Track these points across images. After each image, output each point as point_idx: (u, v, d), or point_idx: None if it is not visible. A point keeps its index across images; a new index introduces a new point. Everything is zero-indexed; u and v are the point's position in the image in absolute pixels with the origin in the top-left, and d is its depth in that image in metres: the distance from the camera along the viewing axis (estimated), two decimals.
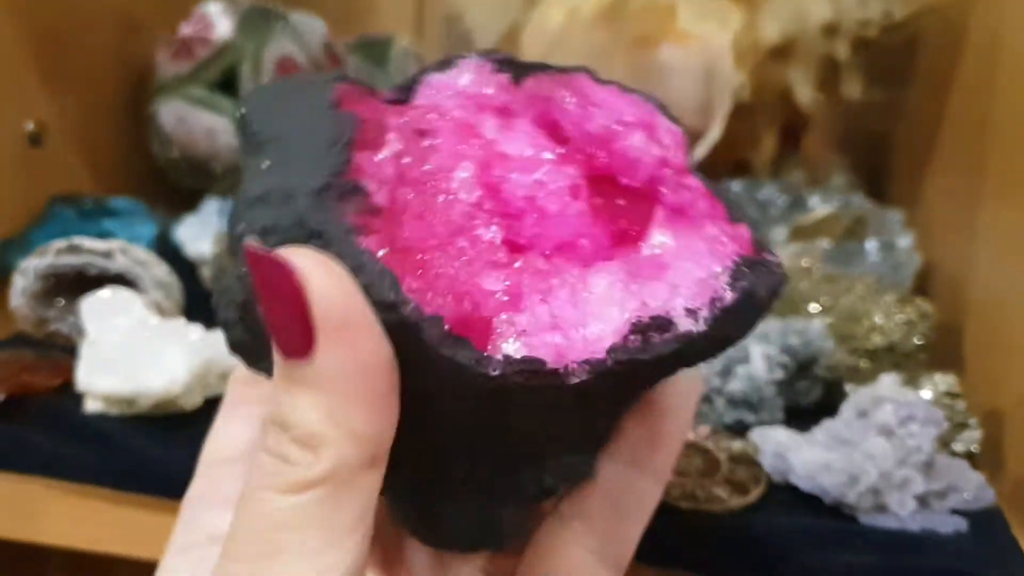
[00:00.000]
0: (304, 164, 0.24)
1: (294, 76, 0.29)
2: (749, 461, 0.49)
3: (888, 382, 0.49)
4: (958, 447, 0.52)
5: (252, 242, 0.23)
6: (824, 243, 0.68)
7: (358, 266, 0.22)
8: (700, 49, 0.77)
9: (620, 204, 0.27)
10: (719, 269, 0.25)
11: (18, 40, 0.70)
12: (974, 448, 0.52)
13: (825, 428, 0.50)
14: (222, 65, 0.76)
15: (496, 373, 0.23)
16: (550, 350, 0.23)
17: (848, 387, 0.56)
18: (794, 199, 0.74)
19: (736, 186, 0.74)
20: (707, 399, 0.54)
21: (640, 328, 0.24)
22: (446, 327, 0.22)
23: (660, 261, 0.26)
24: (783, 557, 0.45)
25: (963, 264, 0.64)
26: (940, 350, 0.59)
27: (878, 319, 0.59)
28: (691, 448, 0.50)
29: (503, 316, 0.24)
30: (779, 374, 0.54)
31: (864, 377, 0.57)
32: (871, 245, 0.69)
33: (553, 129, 0.28)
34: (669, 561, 0.45)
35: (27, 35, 0.70)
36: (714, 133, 0.75)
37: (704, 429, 0.52)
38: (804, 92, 0.81)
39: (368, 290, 0.22)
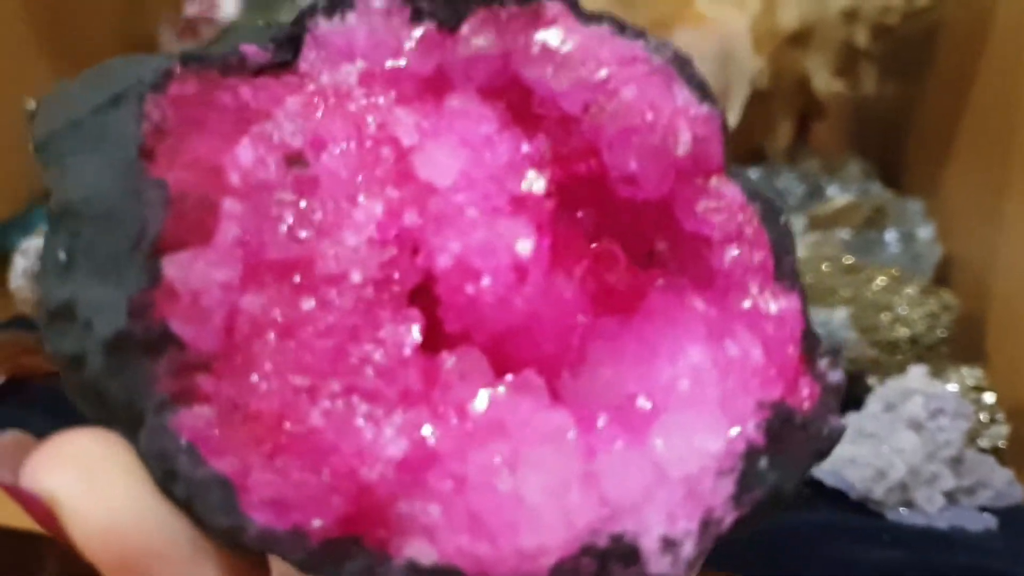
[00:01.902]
0: (105, 270, 0.17)
1: (95, 73, 0.19)
2: None
3: (917, 374, 0.48)
4: (984, 442, 0.50)
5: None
6: (843, 233, 0.67)
7: (170, 472, 0.16)
8: (717, 33, 0.75)
9: (611, 253, 0.20)
10: (730, 451, 0.17)
11: (20, 17, 0.68)
12: (1001, 443, 0.50)
13: (850, 421, 0.48)
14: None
15: None
16: (469, 559, 0.17)
17: (871, 380, 0.55)
18: (812, 188, 0.72)
19: (753, 174, 0.73)
20: None
21: (596, 553, 0.17)
22: (313, 542, 0.16)
23: (643, 412, 0.18)
24: (807, 554, 0.44)
25: (986, 255, 0.63)
26: (963, 343, 0.58)
27: (901, 310, 0.57)
28: None
29: (404, 504, 0.17)
30: None
31: (887, 370, 0.55)
32: (891, 235, 0.67)
33: (515, 98, 0.19)
34: None
35: (29, 12, 0.69)
36: (731, 120, 0.74)
37: None
38: (822, 79, 0.79)
39: (189, 504, 0.16)
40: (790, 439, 0.18)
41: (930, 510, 0.45)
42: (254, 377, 0.16)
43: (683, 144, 0.19)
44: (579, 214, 0.20)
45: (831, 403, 0.18)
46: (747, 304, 0.19)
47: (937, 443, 0.45)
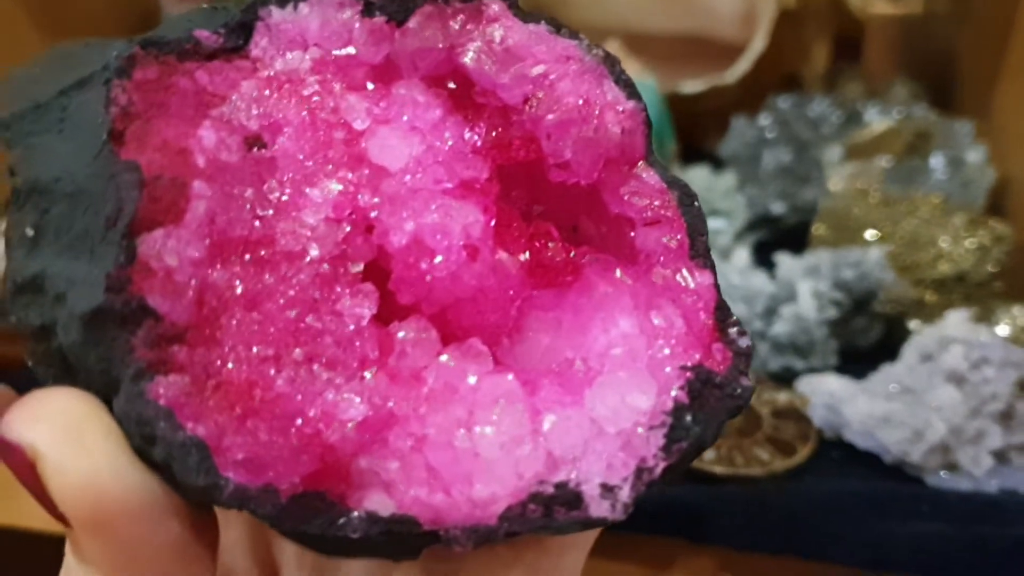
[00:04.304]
0: (76, 246, 0.18)
1: (57, 57, 0.21)
2: (796, 416, 0.43)
3: (956, 320, 0.43)
4: None
5: None
6: (884, 161, 0.61)
7: (148, 436, 0.17)
8: None
9: (546, 231, 0.21)
10: (658, 408, 0.19)
11: None
12: None
13: (884, 375, 0.43)
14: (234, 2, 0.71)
15: (357, 536, 0.18)
16: (425, 509, 0.18)
17: (912, 324, 0.49)
18: (849, 114, 0.66)
19: (784, 101, 0.67)
20: None
21: (542, 500, 0.19)
22: (282, 499, 0.18)
23: (580, 376, 0.20)
24: (836, 528, 0.39)
25: None
26: (1019, 277, 0.52)
27: (945, 244, 0.52)
28: None
29: (364, 461, 0.18)
30: (831, 313, 0.48)
31: (931, 312, 0.50)
32: (937, 161, 0.61)
33: (458, 89, 0.21)
34: (703, 536, 0.39)
35: None
36: (758, 45, 0.68)
37: None
38: None
39: (168, 466, 0.17)
40: (709, 397, 0.20)
41: (977, 472, 0.40)
42: (224, 347, 0.18)
43: (613, 136, 0.20)
44: (513, 195, 0.22)
45: (741, 366, 0.20)
46: (667, 279, 0.21)
47: (982, 397, 0.39)
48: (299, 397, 0.18)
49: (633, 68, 0.68)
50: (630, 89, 0.21)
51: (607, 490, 0.19)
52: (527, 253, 0.21)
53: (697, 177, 0.59)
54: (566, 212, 0.22)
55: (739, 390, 0.20)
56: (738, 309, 0.47)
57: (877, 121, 0.64)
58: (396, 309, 0.20)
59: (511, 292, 0.21)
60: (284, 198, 0.19)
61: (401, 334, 0.19)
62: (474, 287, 0.20)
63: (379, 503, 0.18)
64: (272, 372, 0.18)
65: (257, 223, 0.19)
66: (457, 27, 0.21)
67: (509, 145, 0.21)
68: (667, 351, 0.20)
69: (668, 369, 0.20)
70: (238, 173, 0.19)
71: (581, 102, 0.20)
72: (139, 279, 0.17)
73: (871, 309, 0.50)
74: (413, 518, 0.18)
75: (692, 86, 0.69)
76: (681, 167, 0.64)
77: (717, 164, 0.64)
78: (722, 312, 0.21)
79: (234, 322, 0.18)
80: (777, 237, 0.60)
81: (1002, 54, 0.67)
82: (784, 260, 0.50)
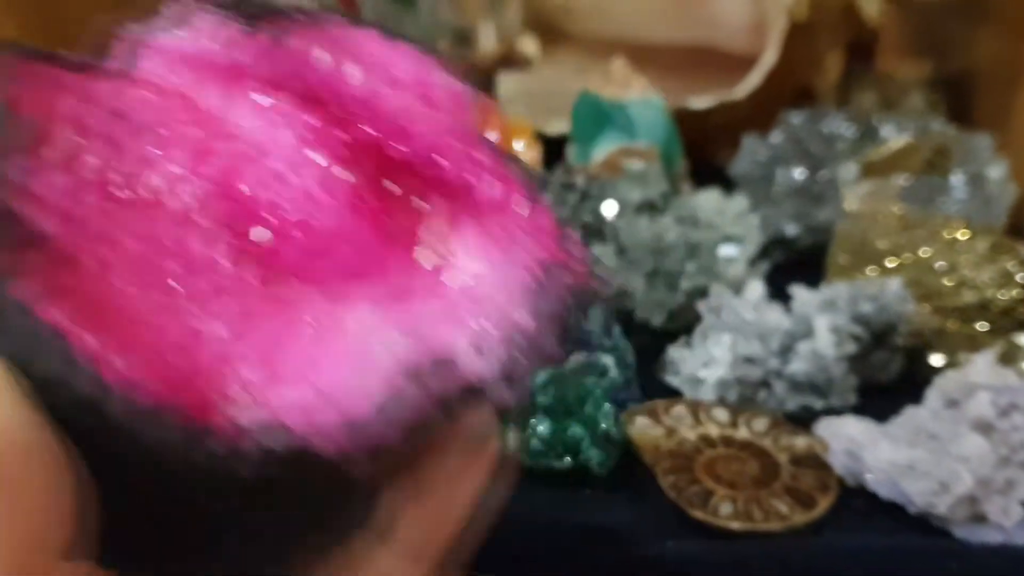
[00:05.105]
0: None
1: None
2: (816, 463, 0.41)
3: (982, 364, 0.40)
4: None
5: None
6: (901, 180, 0.59)
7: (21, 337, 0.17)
8: None
9: (390, 189, 0.23)
10: (515, 280, 0.21)
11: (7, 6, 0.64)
12: None
13: (908, 418, 0.41)
14: None
15: (223, 454, 0.18)
16: (295, 412, 0.18)
17: (933, 357, 0.48)
18: (864, 129, 0.64)
19: (797, 117, 0.65)
20: (765, 384, 0.46)
21: (415, 375, 0.19)
22: (140, 401, 0.17)
23: (434, 278, 0.22)
24: None
25: None
26: None
27: (967, 271, 0.50)
28: (744, 450, 0.42)
29: (227, 369, 0.19)
30: (850, 348, 0.46)
31: (954, 342, 0.48)
32: (956, 178, 0.59)
33: (301, 91, 0.23)
34: None
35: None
36: (769, 57, 0.66)
37: (761, 422, 0.44)
38: (873, 5, 0.71)
39: (19, 358, 0.17)
40: (566, 278, 0.22)
41: (1007, 524, 0.38)
42: (81, 273, 0.18)
43: (441, 114, 0.23)
44: (360, 170, 0.23)
45: (590, 275, 0.22)
46: (512, 214, 0.23)
47: (1011, 445, 0.38)
48: (167, 321, 0.19)
49: (640, 84, 0.66)
50: (457, 74, 0.23)
51: (479, 349, 0.20)
52: (378, 215, 0.23)
53: (707, 201, 0.57)
54: (408, 185, 0.23)
55: (599, 283, 0.22)
56: (752, 347, 0.46)
57: (894, 137, 0.62)
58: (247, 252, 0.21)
59: (364, 244, 0.22)
60: (150, 151, 0.20)
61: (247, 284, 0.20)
62: (331, 230, 0.22)
63: (246, 413, 0.18)
64: (139, 296, 0.19)
65: (122, 168, 0.20)
66: (301, 37, 0.23)
67: (352, 123, 0.23)
68: (523, 250, 0.22)
69: (526, 258, 0.22)
70: (104, 128, 0.20)
71: (416, 82, 0.23)
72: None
73: (891, 343, 0.48)
74: (283, 423, 0.18)
75: (701, 102, 0.67)
76: (692, 186, 0.62)
77: (728, 185, 0.62)
78: (564, 235, 0.23)
79: (93, 251, 0.19)
80: (792, 260, 0.58)
81: (1020, 54, 0.65)
82: (800, 293, 0.48)
